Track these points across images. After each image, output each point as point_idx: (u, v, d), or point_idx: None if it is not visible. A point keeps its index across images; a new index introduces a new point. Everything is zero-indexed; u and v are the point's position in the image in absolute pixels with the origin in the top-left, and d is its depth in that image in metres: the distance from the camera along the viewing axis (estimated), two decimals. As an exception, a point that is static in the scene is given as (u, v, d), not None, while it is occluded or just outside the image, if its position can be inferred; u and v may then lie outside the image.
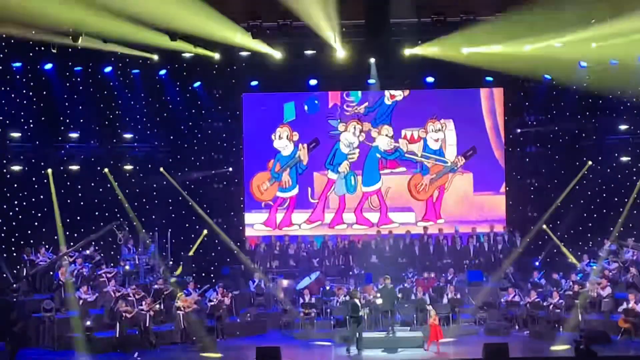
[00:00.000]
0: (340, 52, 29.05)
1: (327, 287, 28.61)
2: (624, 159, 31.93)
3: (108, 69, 30.82)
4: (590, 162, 31.50)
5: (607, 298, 26.43)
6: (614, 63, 30.40)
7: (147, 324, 25.60)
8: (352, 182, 33.06)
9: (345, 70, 30.80)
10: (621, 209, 30.91)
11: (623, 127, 31.88)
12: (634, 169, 31.66)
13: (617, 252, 29.04)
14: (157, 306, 26.32)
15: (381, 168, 33.01)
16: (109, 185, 31.53)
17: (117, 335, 25.39)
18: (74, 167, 31.33)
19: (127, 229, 29.57)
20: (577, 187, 31.64)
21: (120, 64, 30.95)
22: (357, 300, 24.86)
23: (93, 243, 29.68)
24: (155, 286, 27.90)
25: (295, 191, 33.20)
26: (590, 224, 31.64)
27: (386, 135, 32.92)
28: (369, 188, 33.09)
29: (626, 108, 31.43)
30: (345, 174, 33.06)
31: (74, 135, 31.45)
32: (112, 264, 29.63)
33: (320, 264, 31.12)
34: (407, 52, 29.45)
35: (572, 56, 29.69)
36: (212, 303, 27.05)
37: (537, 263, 30.66)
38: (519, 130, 33.05)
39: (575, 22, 27.00)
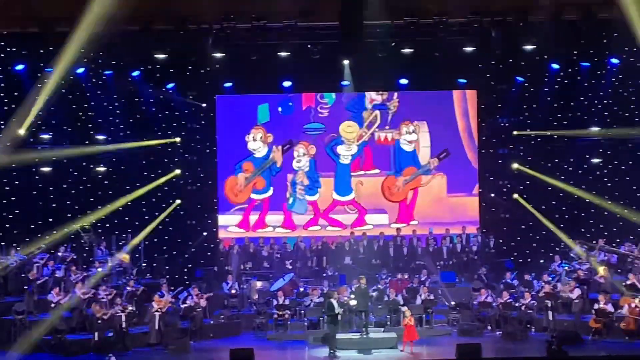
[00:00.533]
0: None
1: (301, 289, 28.62)
2: (595, 160, 32.18)
3: (80, 70, 30.65)
4: None
5: (577, 299, 26.57)
6: (585, 65, 30.77)
7: (124, 326, 25.50)
8: (296, 204, 33.25)
9: (319, 72, 30.92)
10: (592, 210, 31.20)
11: (594, 128, 32.11)
12: (605, 171, 31.93)
13: (587, 254, 29.19)
14: (130, 308, 26.22)
15: (354, 169, 33.05)
16: (81, 187, 31.44)
17: (96, 339, 25.17)
18: (47, 169, 31.17)
19: (92, 230, 29.46)
20: (550, 188, 31.84)
21: (92, 65, 30.81)
22: (333, 300, 24.89)
23: (65, 245, 29.60)
24: (128, 288, 27.82)
25: (270, 193, 33.20)
26: (562, 225, 31.78)
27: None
28: (343, 198, 33.16)
29: (597, 110, 31.67)
30: (295, 196, 33.25)
31: (46, 136, 31.29)
32: (84, 266, 29.50)
33: (294, 266, 31.09)
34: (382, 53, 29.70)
35: (544, 58, 30.03)
36: (186, 305, 27.01)
37: (509, 264, 30.80)
38: (491, 132, 33.14)
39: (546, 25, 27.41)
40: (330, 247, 31.59)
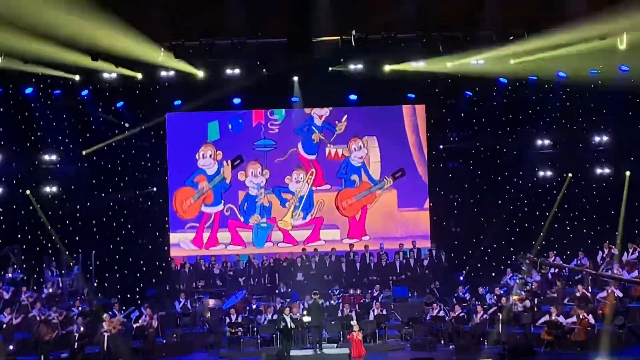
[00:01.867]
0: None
1: (254, 306, 28.54)
2: (544, 173, 32.46)
3: (29, 90, 30.39)
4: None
5: (526, 312, 26.67)
6: (533, 79, 31.01)
7: (76, 347, 25.22)
8: (258, 233, 33.17)
9: (269, 88, 30.94)
10: (542, 223, 31.43)
11: (542, 141, 32.36)
12: (554, 183, 32.20)
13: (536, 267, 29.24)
14: (82, 328, 25.94)
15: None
16: (31, 208, 31.12)
17: (39, 360, 24.98)
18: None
19: (19, 251, 29.24)
20: (500, 201, 32.05)
21: (41, 85, 30.56)
22: (286, 317, 24.83)
23: (15, 266, 29.27)
24: (74, 309, 27.53)
25: (220, 207, 33.07)
26: (512, 238, 32.01)
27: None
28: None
29: (545, 123, 31.98)
30: (255, 224, 33.17)
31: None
32: (35, 287, 29.20)
33: (246, 283, 30.99)
34: (331, 69, 29.88)
35: (492, 73, 30.27)
36: (138, 324, 26.81)
37: (461, 278, 30.95)
38: (441, 147, 33.29)
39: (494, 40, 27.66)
40: (282, 263, 31.53)
